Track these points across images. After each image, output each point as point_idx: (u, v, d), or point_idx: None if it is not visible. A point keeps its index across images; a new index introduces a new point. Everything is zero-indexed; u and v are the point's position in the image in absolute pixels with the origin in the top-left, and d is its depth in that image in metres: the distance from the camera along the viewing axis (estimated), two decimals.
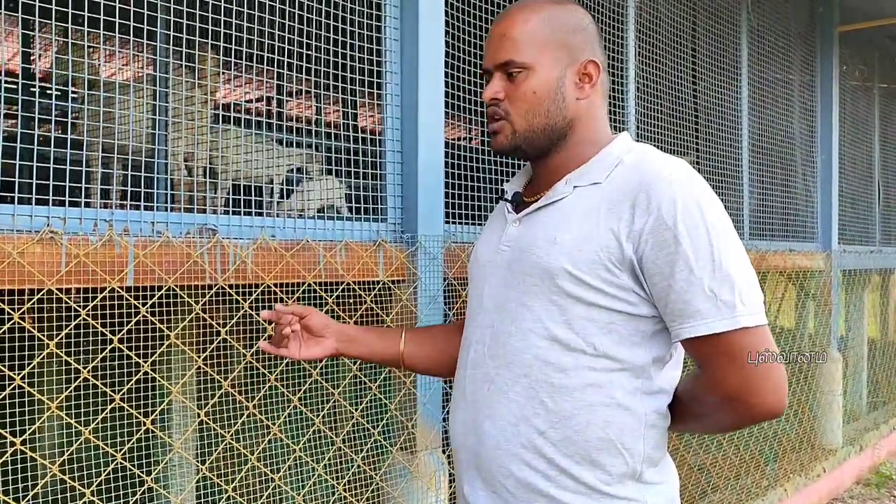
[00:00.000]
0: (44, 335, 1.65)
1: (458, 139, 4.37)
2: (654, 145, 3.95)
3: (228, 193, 2.15)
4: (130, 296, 1.75)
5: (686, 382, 1.22)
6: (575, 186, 1.22)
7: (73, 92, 2.17)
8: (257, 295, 1.99)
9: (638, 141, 3.74)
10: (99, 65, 3.05)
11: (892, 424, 5.82)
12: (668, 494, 1.22)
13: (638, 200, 1.12)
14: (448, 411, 1.46)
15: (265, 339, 1.47)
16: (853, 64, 5.58)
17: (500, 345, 1.22)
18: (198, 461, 2.05)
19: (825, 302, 4.87)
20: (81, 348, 1.82)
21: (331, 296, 2.14)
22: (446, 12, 2.45)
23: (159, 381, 1.95)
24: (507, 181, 1.41)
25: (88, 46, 1.79)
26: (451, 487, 2.40)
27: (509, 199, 1.32)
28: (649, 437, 1.17)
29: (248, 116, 2.31)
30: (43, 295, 1.63)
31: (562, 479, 1.15)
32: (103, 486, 1.80)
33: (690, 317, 1.10)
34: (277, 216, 2.27)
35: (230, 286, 1.94)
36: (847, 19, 5.16)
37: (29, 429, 1.65)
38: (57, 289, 1.64)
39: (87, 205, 1.80)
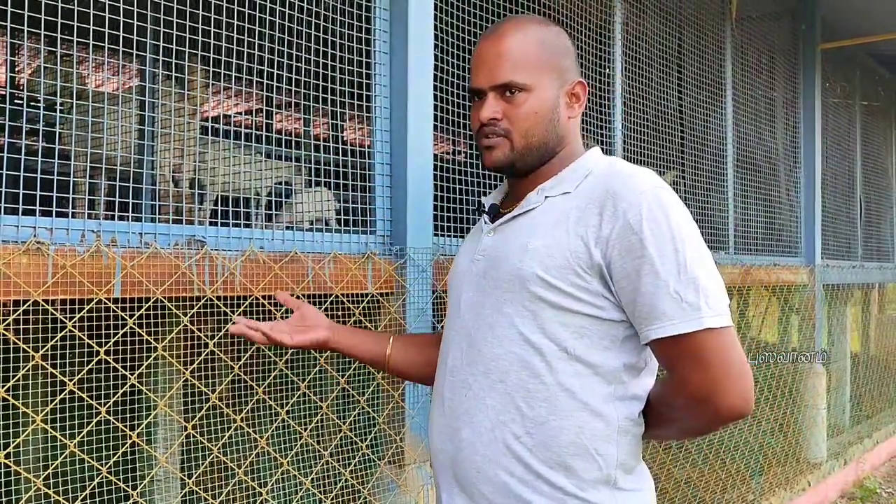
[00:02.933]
0: (29, 347, 1.63)
1: (446, 153, 4.39)
2: (641, 160, 3.97)
3: (217, 204, 2.14)
4: (117, 307, 1.73)
5: (656, 387, 1.25)
6: (546, 196, 1.26)
7: (60, 103, 2.16)
8: (245, 307, 1.98)
9: (625, 155, 3.74)
10: (87, 75, 3.04)
11: (876, 438, 5.86)
12: (643, 502, 1.24)
13: (605, 207, 1.16)
14: None
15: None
16: (835, 81, 5.66)
17: (476, 351, 1.24)
18: (184, 475, 2.03)
19: (809, 316, 4.91)
20: (67, 360, 1.79)
21: (319, 308, 2.13)
22: (436, 26, 2.46)
23: (146, 393, 1.93)
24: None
25: (77, 57, 1.78)
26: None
27: (486, 210, 1.37)
28: (622, 443, 1.19)
29: (236, 129, 2.31)
30: (29, 306, 1.61)
31: (538, 483, 1.17)
32: (88, 501, 1.78)
33: (657, 318, 1.12)
34: (266, 228, 2.26)
35: (218, 298, 1.93)
36: (829, 37, 5.24)
37: (13, 441, 1.63)
38: (43, 300, 1.63)
39: (74, 215, 1.79)
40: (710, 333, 1.11)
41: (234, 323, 1.44)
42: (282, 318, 1.57)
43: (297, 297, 1.76)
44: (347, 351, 1.52)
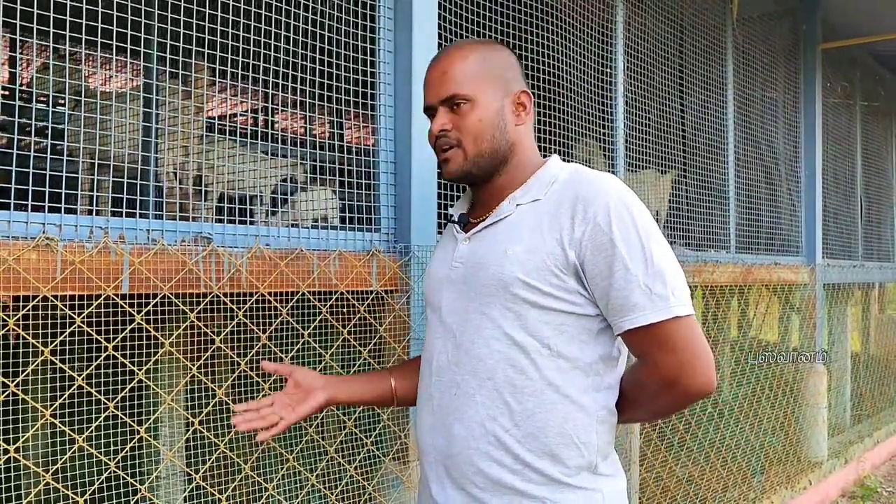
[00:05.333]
0: (38, 342, 1.64)
1: None
2: (642, 160, 3.97)
3: (222, 201, 2.15)
4: (125, 303, 1.75)
5: (627, 374, 1.36)
6: (518, 205, 1.35)
7: (72, 98, 2.17)
8: (252, 303, 1.99)
9: (626, 154, 3.75)
10: (94, 73, 3.05)
11: (876, 437, 5.87)
12: (619, 486, 1.35)
13: (576, 211, 1.26)
14: None
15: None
16: (836, 81, 5.67)
17: (463, 353, 1.33)
18: (191, 470, 2.04)
19: (809, 315, 4.92)
20: (76, 356, 1.81)
21: (324, 305, 2.15)
22: (440, 25, 2.47)
23: (153, 388, 1.94)
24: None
25: (85, 55, 1.79)
26: None
27: (456, 220, 1.45)
28: (601, 431, 1.30)
29: (242, 128, 2.32)
30: (38, 302, 1.63)
31: (527, 472, 1.27)
32: (96, 496, 1.79)
33: (630, 310, 1.23)
34: (272, 225, 2.27)
35: (225, 294, 1.94)
36: (829, 37, 5.25)
37: (22, 436, 1.64)
38: (52, 295, 1.64)
39: (89, 212, 1.80)
40: (679, 321, 1.23)
41: (234, 414, 1.42)
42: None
43: (281, 361, 1.79)
44: (350, 402, 1.55)
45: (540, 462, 1.26)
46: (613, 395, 1.33)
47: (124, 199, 1.87)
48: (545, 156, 1.43)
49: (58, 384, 1.77)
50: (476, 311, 1.31)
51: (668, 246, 1.27)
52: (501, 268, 1.28)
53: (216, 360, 2.02)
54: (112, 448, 1.84)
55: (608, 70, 3.48)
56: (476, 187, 1.44)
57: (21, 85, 4.02)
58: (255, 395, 2.13)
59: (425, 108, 1.43)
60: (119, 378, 1.84)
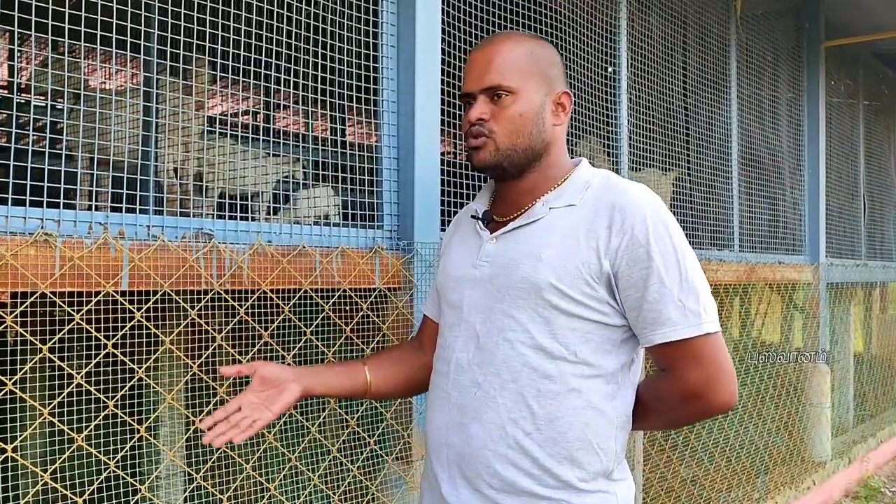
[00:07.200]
0: (37, 339, 1.62)
1: (453, 148, 4.38)
2: (647, 158, 3.95)
3: (223, 197, 2.13)
4: (125, 300, 1.72)
5: (648, 383, 1.36)
6: (551, 208, 1.33)
7: (70, 92, 2.15)
8: (253, 300, 1.96)
9: (630, 153, 3.72)
10: (94, 70, 3.03)
11: (880, 437, 5.85)
12: (631, 490, 1.36)
13: (613, 221, 1.26)
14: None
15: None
16: (839, 79, 5.65)
17: (486, 353, 1.31)
18: (191, 469, 2.01)
19: (813, 314, 4.90)
20: (75, 353, 1.78)
21: (327, 302, 2.12)
22: (443, 20, 2.45)
23: (153, 387, 1.92)
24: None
25: (84, 49, 1.77)
26: None
27: (480, 216, 1.42)
28: (619, 437, 1.31)
29: (245, 127, 2.29)
30: (36, 298, 1.60)
31: (545, 477, 1.26)
32: (96, 496, 1.76)
33: (662, 324, 1.24)
34: (273, 222, 2.24)
35: (226, 291, 1.92)
36: (832, 35, 5.23)
37: (20, 435, 1.61)
38: (50, 292, 1.61)
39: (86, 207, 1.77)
40: (708, 338, 1.24)
41: (202, 434, 1.37)
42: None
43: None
44: (325, 394, 1.49)
45: (559, 467, 1.26)
46: (631, 402, 1.33)
47: (124, 195, 1.85)
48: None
49: (56, 382, 1.75)
50: (502, 312, 1.30)
51: (698, 262, 1.29)
52: (535, 271, 1.27)
53: (217, 358, 1.99)
54: (112, 447, 1.82)
55: (612, 68, 3.45)
56: (503, 183, 1.41)
57: (20, 79, 4.00)
58: None
59: (462, 94, 1.39)
60: (119, 376, 1.81)
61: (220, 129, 2.40)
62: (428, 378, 1.47)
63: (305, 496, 2.18)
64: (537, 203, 1.35)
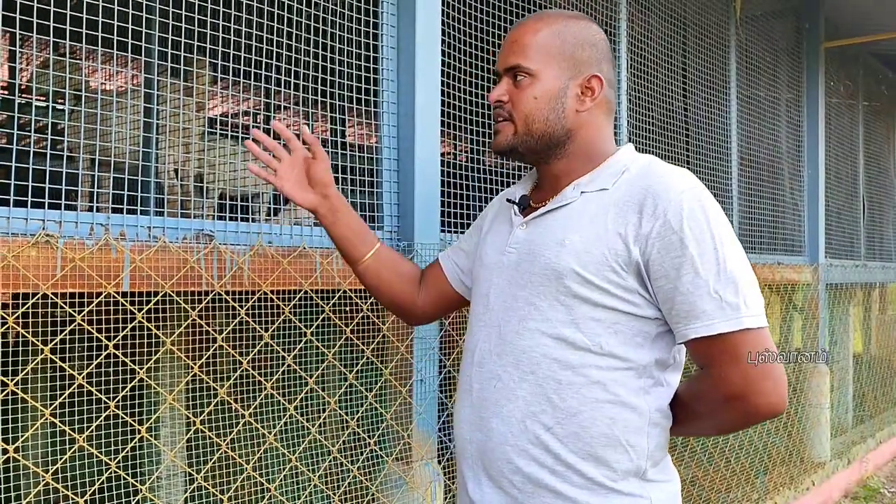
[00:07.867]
0: (38, 340, 1.62)
1: (453, 149, 4.38)
2: None
3: (224, 198, 2.13)
4: (126, 301, 1.72)
5: (688, 383, 1.26)
6: (583, 192, 1.26)
7: (71, 93, 2.16)
8: (254, 301, 1.97)
9: None
10: (96, 71, 3.04)
11: (879, 438, 5.85)
12: (671, 491, 1.26)
13: (645, 205, 1.17)
14: (448, 413, 1.45)
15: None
16: (838, 80, 5.65)
17: (506, 343, 1.25)
18: (192, 470, 2.02)
19: (812, 315, 4.90)
20: (76, 354, 1.78)
21: (327, 303, 2.12)
22: (443, 21, 2.45)
23: (154, 387, 1.92)
24: (513, 184, 1.43)
25: (84, 50, 1.77)
26: (446, 499, 2.38)
27: (516, 201, 1.36)
28: (653, 434, 1.21)
29: (245, 128, 2.30)
30: (38, 299, 1.60)
31: (568, 474, 1.18)
32: (97, 496, 1.77)
33: (696, 318, 1.13)
34: (273, 223, 2.25)
35: (226, 292, 1.92)
36: (832, 36, 5.23)
37: (22, 436, 1.62)
38: (52, 293, 1.61)
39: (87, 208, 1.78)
40: (748, 333, 1.13)
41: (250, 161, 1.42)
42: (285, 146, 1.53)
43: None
44: (331, 228, 1.52)
45: (583, 464, 1.18)
46: (668, 397, 1.24)
47: (125, 196, 1.85)
48: (620, 143, 1.37)
49: (58, 383, 1.75)
50: (524, 300, 1.24)
51: (743, 252, 1.18)
52: (557, 258, 1.20)
53: (218, 359, 2.00)
54: (112, 448, 1.82)
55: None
56: (538, 169, 1.36)
57: (21, 81, 4.00)
58: (256, 394, 2.11)
59: (494, 72, 1.35)
60: (119, 377, 1.82)
61: (220, 130, 2.41)
62: (400, 304, 1.54)
63: (306, 496, 2.18)
64: (569, 187, 1.28)
